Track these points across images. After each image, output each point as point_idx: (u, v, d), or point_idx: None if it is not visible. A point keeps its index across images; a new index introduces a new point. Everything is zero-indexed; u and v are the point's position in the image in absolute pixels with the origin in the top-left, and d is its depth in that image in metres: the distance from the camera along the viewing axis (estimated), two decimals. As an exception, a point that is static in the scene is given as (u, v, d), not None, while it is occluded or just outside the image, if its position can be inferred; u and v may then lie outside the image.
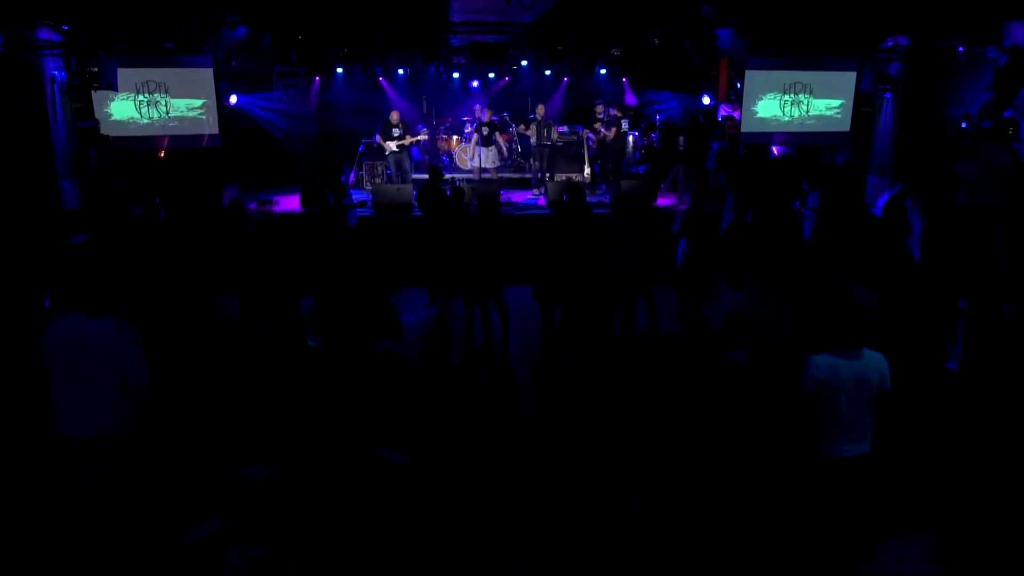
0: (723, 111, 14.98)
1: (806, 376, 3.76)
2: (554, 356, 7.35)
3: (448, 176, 14.72)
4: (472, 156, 14.36)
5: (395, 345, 4.15)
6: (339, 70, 14.93)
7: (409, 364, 7.55)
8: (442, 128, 15.27)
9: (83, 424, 3.99)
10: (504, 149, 14.80)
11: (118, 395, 4.03)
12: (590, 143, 14.32)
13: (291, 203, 12.33)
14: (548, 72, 15.50)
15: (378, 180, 13.97)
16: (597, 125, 14.02)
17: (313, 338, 4.60)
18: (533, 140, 13.61)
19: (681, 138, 13.34)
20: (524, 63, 14.71)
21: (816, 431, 3.83)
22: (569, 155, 14.66)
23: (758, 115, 12.50)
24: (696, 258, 8.97)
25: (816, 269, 6.36)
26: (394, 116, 13.27)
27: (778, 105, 12.41)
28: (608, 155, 13.87)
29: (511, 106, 15.84)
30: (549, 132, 13.56)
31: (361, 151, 14.21)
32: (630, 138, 14.50)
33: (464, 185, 11.75)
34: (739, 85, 14.28)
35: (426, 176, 14.91)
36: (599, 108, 14.24)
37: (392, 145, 13.17)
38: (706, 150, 14.06)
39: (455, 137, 15.12)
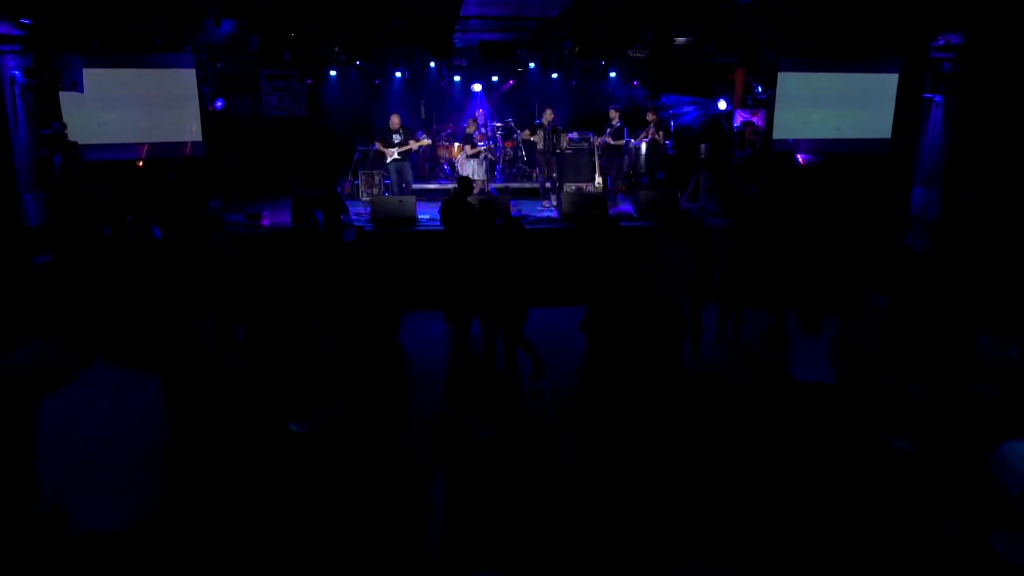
0: (740, 117, 14.10)
1: (1006, 473, 2.79)
2: (607, 401, 6.27)
3: (451, 186, 13.80)
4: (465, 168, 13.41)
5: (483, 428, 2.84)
6: (332, 73, 13.99)
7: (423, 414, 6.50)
8: (443, 135, 14.29)
9: (109, 515, 3.12)
10: (515, 159, 13.91)
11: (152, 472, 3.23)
12: (600, 149, 13.46)
13: (282, 216, 11.28)
14: (555, 75, 14.58)
15: (376, 191, 12.94)
16: (607, 132, 13.19)
17: (300, 421, 3.37)
18: (540, 147, 12.63)
19: (703, 145, 12.41)
20: (532, 65, 13.80)
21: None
22: (579, 163, 13.68)
23: (790, 121, 11.54)
24: (738, 275, 8.18)
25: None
26: (394, 121, 12.29)
27: (812, 110, 11.45)
28: (656, 161, 12.98)
29: (516, 111, 14.88)
30: (558, 139, 12.60)
31: (356, 159, 13.21)
32: (643, 145, 13.55)
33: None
34: (759, 89, 13.43)
35: (428, 186, 14.08)
36: (613, 113, 13.36)
37: (393, 152, 12.18)
38: (728, 158, 13.16)
39: (456, 144, 14.12)
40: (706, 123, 14.66)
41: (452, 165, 14.03)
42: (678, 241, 6.69)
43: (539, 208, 12.61)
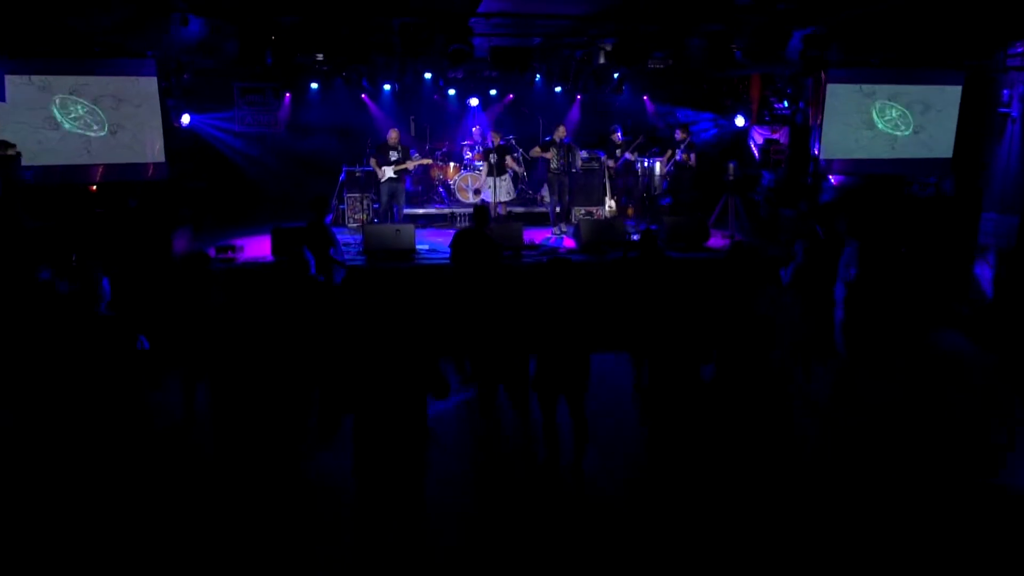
0: (760, 134, 12.94)
1: None
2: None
3: (447, 210, 12.43)
4: (479, 187, 12.01)
5: None
6: (313, 86, 12.57)
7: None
8: (438, 153, 12.90)
9: None
10: (518, 179, 12.55)
11: None
12: (611, 171, 12.26)
13: (260, 248, 9.80)
14: (558, 89, 13.32)
15: (364, 216, 11.48)
16: (616, 148, 11.99)
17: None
18: (554, 166, 11.30)
19: (731, 164, 11.18)
20: (537, 77, 12.55)
21: None
22: (590, 185, 12.37)
23: (839, 138, 10.26)
24: (808, 321, 6.92)
25: None
26: (392, 136, 10.90)
27: (863, 127, 10.20)
28: (682, 184, 11.70)
29: (515, 128, 13.57)
30: (573, 158, 11.28)
31: (342, 181, 11.73)
32: (656, 164, 12.31)
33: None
34: (785, 104, 12.30)
35: (419, 211, 12.61)
36: (616, 135, 12.17)
37: (389, 171, 10.74)
38: (756, 179, 11.96)
39: (452, 164, 12.76)
40: (723, 141, 13.49)
41: (448, 188, 12.65)
42: (778, 286, 5.38)
43: (549, 235, 11.26)
